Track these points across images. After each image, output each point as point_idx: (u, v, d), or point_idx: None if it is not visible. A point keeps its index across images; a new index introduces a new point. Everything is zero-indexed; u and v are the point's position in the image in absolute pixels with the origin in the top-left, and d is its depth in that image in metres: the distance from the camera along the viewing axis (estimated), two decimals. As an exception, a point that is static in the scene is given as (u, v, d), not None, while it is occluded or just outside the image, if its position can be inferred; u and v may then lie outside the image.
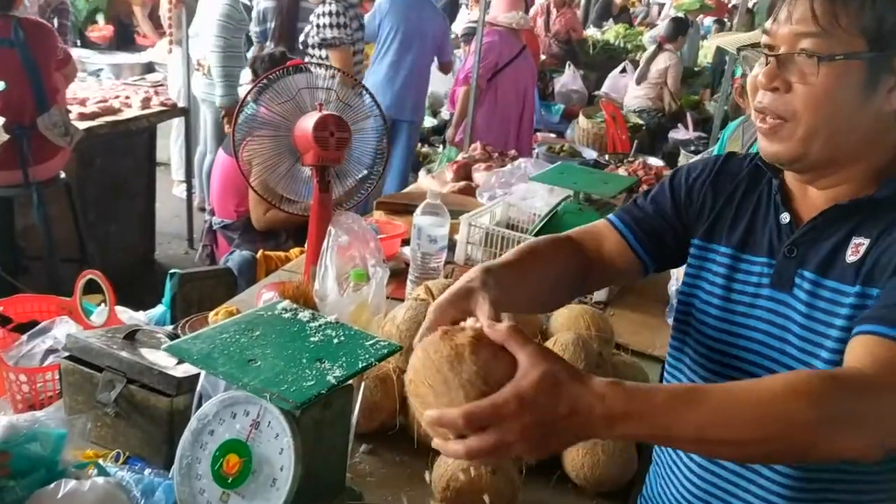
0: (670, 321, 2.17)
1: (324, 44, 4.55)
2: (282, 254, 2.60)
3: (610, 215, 1.35)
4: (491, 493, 1.29)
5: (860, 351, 0.94)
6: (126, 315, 2.03)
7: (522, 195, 2.76)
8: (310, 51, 4.69)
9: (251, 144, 2.02)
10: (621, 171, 3.80)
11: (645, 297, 2.29)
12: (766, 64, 1.07)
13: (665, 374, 1.37)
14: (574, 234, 1.33)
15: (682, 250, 1.30)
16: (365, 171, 2.02)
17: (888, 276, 1.03)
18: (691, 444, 0.90)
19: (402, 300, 2.09)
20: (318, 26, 4.57)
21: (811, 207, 1.16)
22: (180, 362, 1.38)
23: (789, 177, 1.19)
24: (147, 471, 1.34)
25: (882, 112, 1.06)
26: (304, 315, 1.34)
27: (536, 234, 2.37)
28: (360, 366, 1.21)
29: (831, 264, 1.10)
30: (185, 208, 5.24)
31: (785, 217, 1.17)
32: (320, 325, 1.31)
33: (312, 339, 1.27)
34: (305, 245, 2.55)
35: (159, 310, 2.41)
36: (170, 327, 1.92)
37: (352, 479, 1.40)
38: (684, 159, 4.46)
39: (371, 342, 1.28)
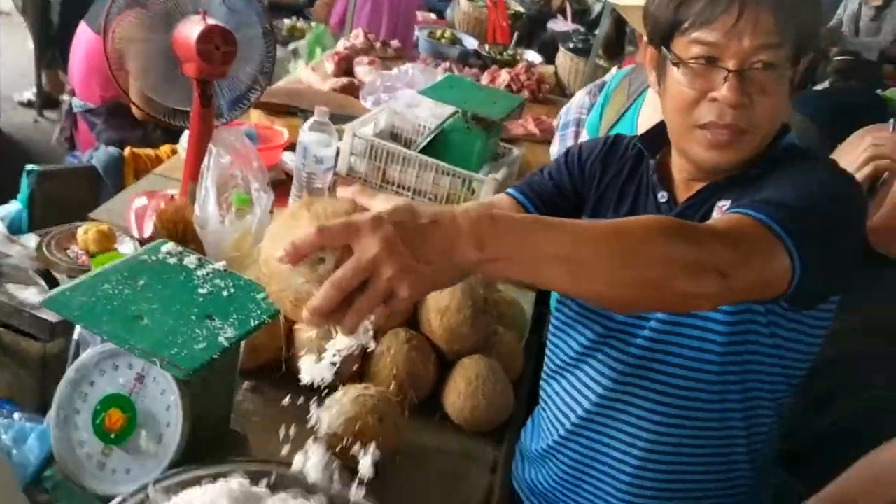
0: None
1: None
2: (151, 152, 2.44)
3: (510, 189, 1.35)
4: (377, 440, 1.33)
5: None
6: (-22, 219, 1.87)
7: (408, 102, 2.69)
8: None
9: (123, 29, 1.83)
10: (504, 73, 3.77)
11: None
12: (726, 80, 1.05)
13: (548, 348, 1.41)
14: None
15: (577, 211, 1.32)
16: (249, 83, 1.90)
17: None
18: (561, 264, 0.84)
19: (282, 214, 2.04)
20: None
21: (688, 186, 1.20)
22: (53, 302, 1.30)
23: (672, 159, 1.22)
24: (17, 415, 1.27)
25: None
26: (191, 260, 1.28)
27: (422, 151, 2.35)
28: (252, 324, 1.19)
29: None
30: (34, 69, 4.79)
31: (663, 196, 1.21)
32: (208, 274, 1.26)
33: (201, 290, 1.22)
34: (179, 143, 2.42)
35: (14, 207, 2.23)
36: (32, 239, 1.79)
37: (234, 418, 1.39)
38: (563, 58, 4.44)
39: (262, 295, 1.25)
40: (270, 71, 1.94)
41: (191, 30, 1.67)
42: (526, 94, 3.64)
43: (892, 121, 1.46)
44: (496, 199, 1.36)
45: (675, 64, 1.08)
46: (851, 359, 1.40)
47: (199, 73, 1.69)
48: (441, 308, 1.52)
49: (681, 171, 1.20)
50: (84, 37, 2.92)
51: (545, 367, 1.40)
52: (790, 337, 1.15)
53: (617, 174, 1.28)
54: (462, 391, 1.49)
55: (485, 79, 3.70)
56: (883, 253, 1.40)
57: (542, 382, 1.41)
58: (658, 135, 1.24)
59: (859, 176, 1.35)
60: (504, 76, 3.72)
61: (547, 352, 1.40)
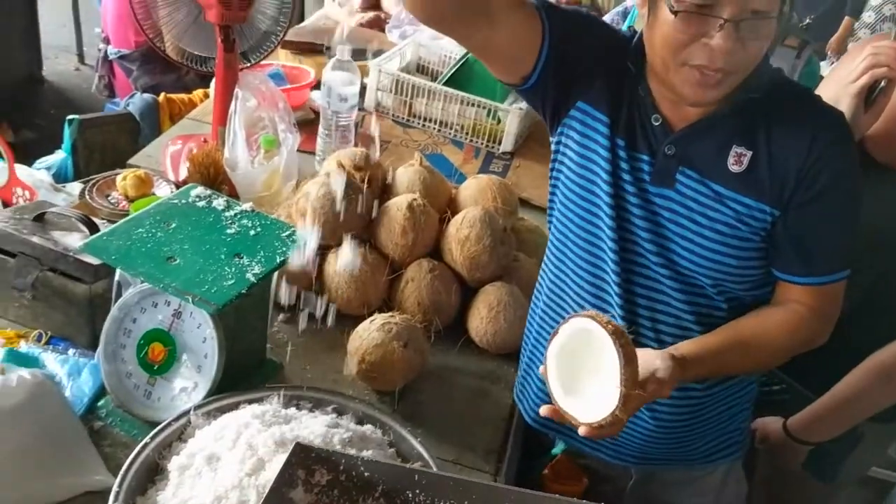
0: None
1: None
2: (185, 97, 2.51)
3: (541, 4, 1.21)
4: (402, 365, 1.41)
5: (798, 295, 1.22)
6: (25, 172, 1.97)
7: (433, 34, 2.69)
8: None
9: None
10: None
11: (549, 147, 2.35)
12: (721, 28, 1.05)
13: (548, 257, 1.41)
14: None
15: (567, 84, 1.25)
16: (270, 24, 1.94)
17: (795, 209, 1.16)
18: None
19: (312, 153, 2.11)
20: None
21: (679, 110, 1.20)
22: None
23: (652, 82, 1.21)
24: (71, 351, 1.38)
25: None
26: (219, 203, 1.36)
27: (447, 83, 2.38)
28: (277, 261, 1.26)
29: (713, 167, 1.18)
30: (72, 17, 4.87)
31: (656, 119, 1.21)
32: (236, 215, 1.34)
33: (229, 230, 1.30)
34: (211, 86, 2.48)
35: (59, 156, 2.35)
36: (76, 187, 1.89)
37: (271, 348, 1.49)
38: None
39: (287, 233, 1.32)
40: (291, 11, 1.98)
41: (210, -24, 1.72)
42: None
43: (894, 30, 1.44)
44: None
45: (671, 9, 1.07)
46: None
47: (220, 19, 1.74)
48: (461, 238, 1.58)
49: (664, 95, 1.20)
50: (115, -15, 2.98)
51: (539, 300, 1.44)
52: None
53: (626, 83, 1.24)
54: (484, 316, 1.56)
55: (514, 4, 3.67)
56: (881, 161, 1.42)
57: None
58: (638, 54, 1.22)
59: (857, 86, 1.35)
60: (533, 0, 3.68)
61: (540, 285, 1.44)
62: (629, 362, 1.03)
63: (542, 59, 1.21)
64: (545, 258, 1.42)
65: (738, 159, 1.17)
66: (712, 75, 1.10)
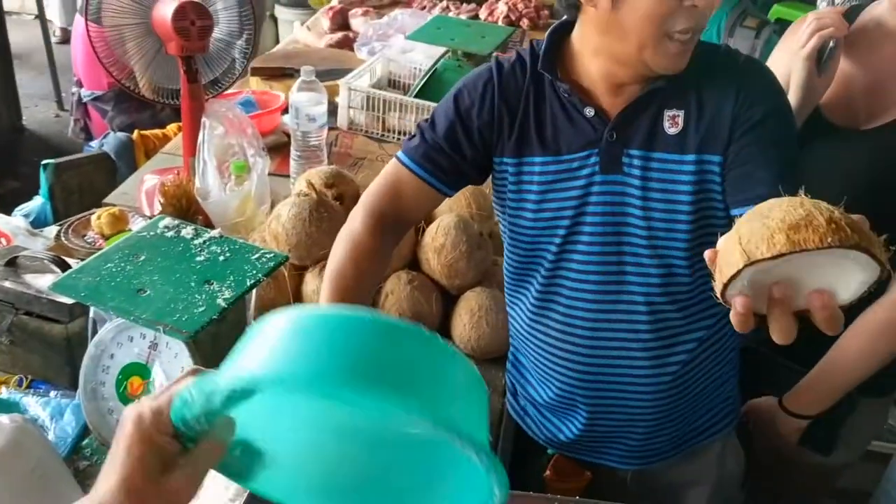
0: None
1: None
2: (159, 132, 2.52)
3: (402, 154, 1.28)
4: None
5: None
6: (2, 220, 1.97)
7: (402, 48, 2.71)
8: None
9: (110, 17, 1.89)
10: (501, 4, 3.74)
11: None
12: None
13: (510, 291, 1.38)
14: (370, 205, 1.29)
15: (483, 172, 1.30)
16: (234, 52, 1.95)
17: (737, 143, 1.15)
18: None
19: (287, 175, 2.11)
20: None
21: (616, 94, 1.20)
22: (69, 286, 1.39)
23: (592, 77, 1.21)
24: (53, 392, 1.38)
25: None
26: (188, 231, 1.36)
27: (419, 95, 2.38)
28: (248, 284, 1.26)
29: (653, 138, 1.19)
30: (48, 64, 4.88)
31: (589, 111, 1.21)
32: (205, 242, 1.33)
33: (198, 258, 1.30)
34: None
35: (38, 202, 2.34)
36: (53, 230, 1.88)
37: (255, 373, 1.48)
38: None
39: (257, 255, 1.32)
40: (253, 37, 1.98)
41: (166, 9, 1.72)
42: (526, 22, 3.62)
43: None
44: (387, 176, 1.30)
45: None
46: None
47: (181, 51, 1.75)
48: (437, 247, 1.58)
49: (605, 80, 1.19)
50: (81, 28, 2.97)
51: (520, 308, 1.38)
52: None
53: (525, 106, 1.24)
54: (466, 323, 1.56)
55: (483, 13, 3.68)
56: (840, 124, 1.42)
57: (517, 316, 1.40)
58: (551, 54, 1.22)
59: (807, 50, 1.36)
60: (502, 7, 3.69)
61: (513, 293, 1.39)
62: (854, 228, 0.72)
63: (448, 188, 1.29)
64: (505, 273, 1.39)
65: (673, 121, 1.18)
66: (690, 40, 1.13)
